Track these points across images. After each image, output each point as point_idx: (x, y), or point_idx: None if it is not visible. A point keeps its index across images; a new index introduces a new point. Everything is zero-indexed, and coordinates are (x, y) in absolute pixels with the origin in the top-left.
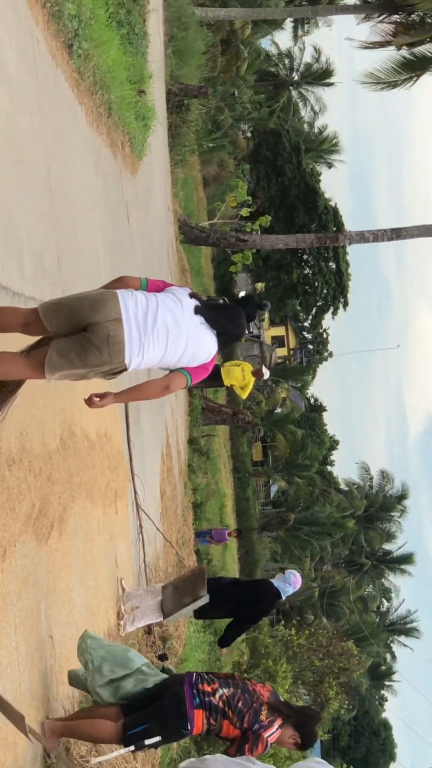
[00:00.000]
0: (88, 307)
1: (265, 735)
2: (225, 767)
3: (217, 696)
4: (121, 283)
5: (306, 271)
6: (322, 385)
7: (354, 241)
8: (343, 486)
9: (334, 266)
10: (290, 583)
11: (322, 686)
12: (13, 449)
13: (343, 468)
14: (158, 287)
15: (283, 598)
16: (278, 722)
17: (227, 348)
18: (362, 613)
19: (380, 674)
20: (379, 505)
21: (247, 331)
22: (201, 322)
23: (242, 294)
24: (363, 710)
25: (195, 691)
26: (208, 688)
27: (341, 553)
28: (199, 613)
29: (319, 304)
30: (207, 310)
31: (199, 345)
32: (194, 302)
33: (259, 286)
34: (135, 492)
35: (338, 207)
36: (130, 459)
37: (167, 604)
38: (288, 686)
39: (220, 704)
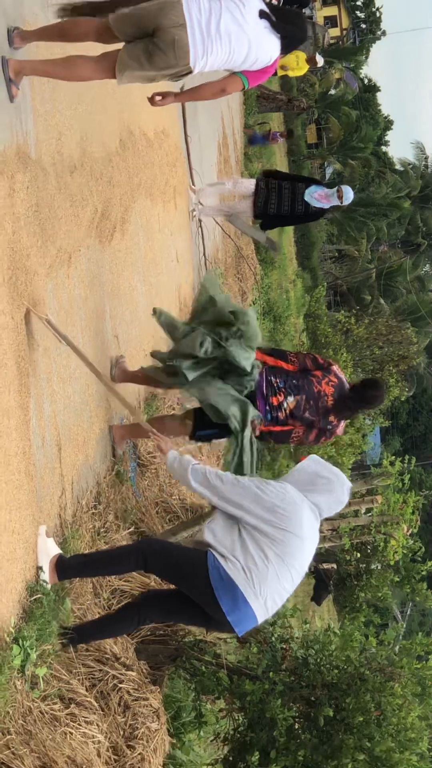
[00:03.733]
0: (155, 12)
1: (337, 431)
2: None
3: (283, 409)
4: None
5: None
6: (376, 66)
7: None
8: (398, 166)
9: None
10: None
11: (382, 374)
12: (75, 155)
13: (399, 148)
14: None
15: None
16: (347, 416)
17: (290, 50)
18: (419, 292)
19: None
20: None
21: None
22: (265, 26)
23: None
24: (421, 389)
25: (267, 406)
26: (275, 401)
27: (397, 233)
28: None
29: None
30: (271, 14)
31: (261, 49)
32: (259, 5)
33: None
34: (193, 185)
35: None
36: (188, 154)
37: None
38: (348, 376)
39: (285, 415)
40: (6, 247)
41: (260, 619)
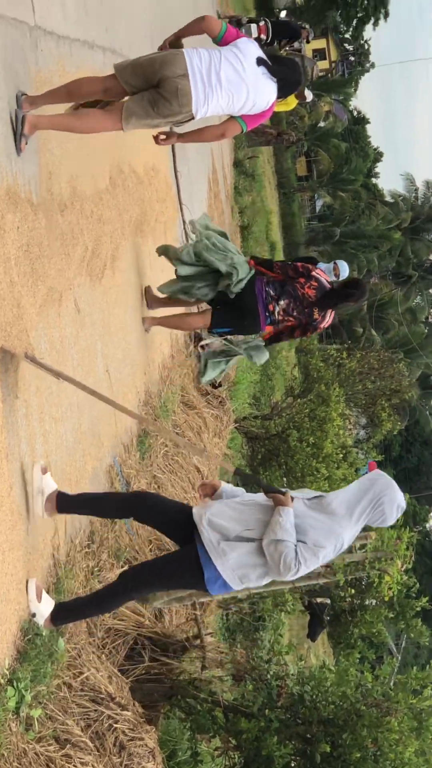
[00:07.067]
0: (159, 64)
1: (321, 326)
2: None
3: (277, 311)
4: (203, 22)
5: None
6: (365, 98)
7: None
8: (388, 198)
9: None
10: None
11: (374, 408)
12: (65, 194)
13: (388, 180)
14: (232, 35)
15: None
16: (330, 312)
17: (287, 95)
18: (411, 324)
19: (430, 385)
20: (425, 216)
21: (288, 47)
22: (263, 72)
23: (282, 12)
24: (413, 420)
25: (267, 313)
26: (271, 308)
27: (388, 265)
28: None
29: (359, 15)
30: (268, 60)
31: (259, 94)
32: (257, 53)
33: (298, 0)
34: (183, 222)
35: None
36: (178, 189)
37: None
38: (341, 410)
39: (281, 317)
40: None
41: None
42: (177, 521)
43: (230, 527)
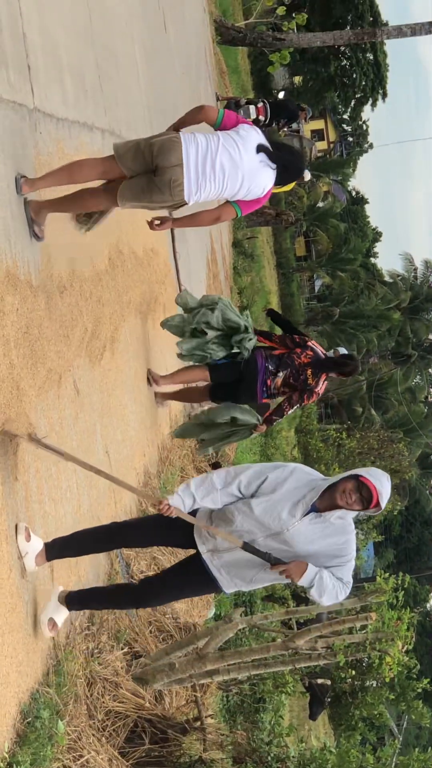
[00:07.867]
0: (157, 151)
1: (316, 390)
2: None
3: (273, 386)
4: (200, 112)
5: (343, 63)
6: (364, 178)
7: (392, 36)
8: (387, 278)
9: (371, 57)
10: None
11: None
12: (64, 275)
13: (387, 260)
14: (231, 120)
15: None
16: (323, 377)
17: (288, 181)
18: (410, 404)
19: (430, 464)
20: (424, 296)
21: (287, 128)
22: (261, 159)
23: (281, 93)
24: (413, 500)
25: (264, 387)
26: (269, 383)
27: (387, 345)
28: None
29: (357, 96)
30: (270, 146)
31: (254, 182)
32: (258, 139)
33: (297, 79)
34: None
35: None
36: (177, 271)
37: None
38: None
39: (277, 390)
40: None
41: None
42: (170, 530)
43: (248, 573)
